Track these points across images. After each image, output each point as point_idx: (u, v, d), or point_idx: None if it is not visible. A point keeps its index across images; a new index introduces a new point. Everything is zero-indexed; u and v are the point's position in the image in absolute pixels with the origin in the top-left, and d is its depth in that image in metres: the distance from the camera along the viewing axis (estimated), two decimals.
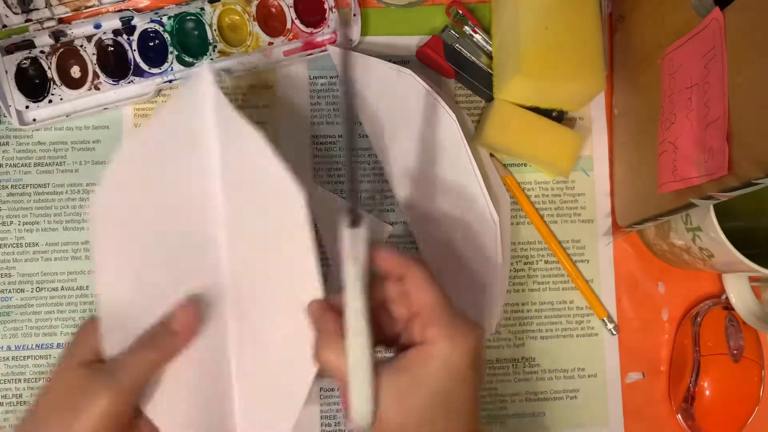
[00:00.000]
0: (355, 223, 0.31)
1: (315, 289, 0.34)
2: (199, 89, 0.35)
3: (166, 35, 0.44)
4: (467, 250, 0.43)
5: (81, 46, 0.43)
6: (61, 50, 0.43)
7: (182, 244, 0.36)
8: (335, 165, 0.45)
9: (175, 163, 0.36)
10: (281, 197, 0.35)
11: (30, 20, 0.42)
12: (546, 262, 0.46)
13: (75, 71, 0.44)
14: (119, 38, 0.43)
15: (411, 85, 0.42)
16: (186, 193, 0.36)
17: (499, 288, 0.42)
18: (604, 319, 0.46)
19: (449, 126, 0.41)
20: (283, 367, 0.36)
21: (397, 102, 0.43)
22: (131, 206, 0.35)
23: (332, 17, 0.45)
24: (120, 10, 0.43)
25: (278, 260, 0.36)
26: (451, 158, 0.42)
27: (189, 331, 0.35)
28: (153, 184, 0.36)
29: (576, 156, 0.45)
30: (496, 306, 0.42)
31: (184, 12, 0.44)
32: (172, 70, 0.44)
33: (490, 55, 0.46)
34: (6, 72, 0.42)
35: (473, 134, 0.46)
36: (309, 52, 0.45)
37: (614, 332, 0.46)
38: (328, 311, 0.33)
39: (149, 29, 0.44)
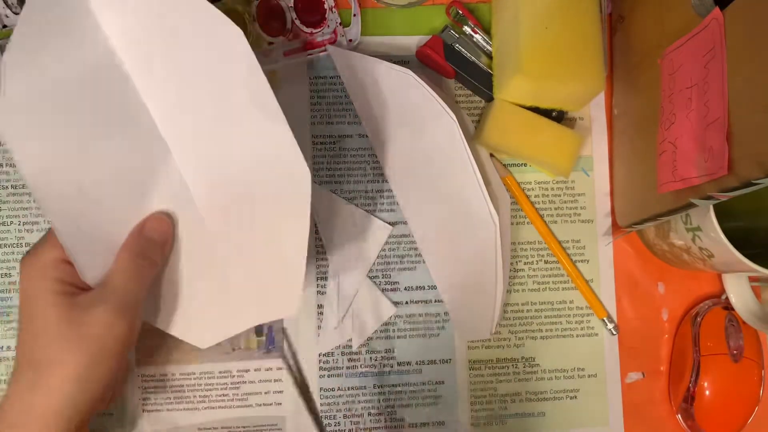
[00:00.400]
0: None
1: (300, 167, 0.34)
2: None
3: None
4: (467, 251, 0.43)
5: None
6: None
7: (125, 147, 0.35)
8: (335, 165, 0.45)
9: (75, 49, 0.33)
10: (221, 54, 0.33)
11: None
12: (546, 262, 0.46)
13: None
14: None
15: (410, 86, 0.42)
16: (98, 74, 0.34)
17: (499, 288, 0.42)
18: (604, 319, 0.46)
19: (449, 126, 0.41)
20: (277, 246, 0.36)
21: (396, 102, 0.43)
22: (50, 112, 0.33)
23: (332, 17, 0.45)
24: None
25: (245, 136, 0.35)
26: (450, 158, 0.42)
27: (169, 236, 0.35)
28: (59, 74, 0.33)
29: (576, 156, 0.45)
30: (496, 306, 0.42)
31: None
32: None
33: (490, 55, 0.46)
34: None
35: (473, 134, 0.46)
36: (309, 52, 0.45)
37: (614, 332, 0.46)
38: None
39: None
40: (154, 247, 0.35)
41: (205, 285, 0.37)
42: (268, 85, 0.33)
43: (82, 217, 0.34)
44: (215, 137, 0.36)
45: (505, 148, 0.44)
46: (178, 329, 0.38)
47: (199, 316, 0.38)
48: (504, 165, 0.46)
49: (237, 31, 0.33)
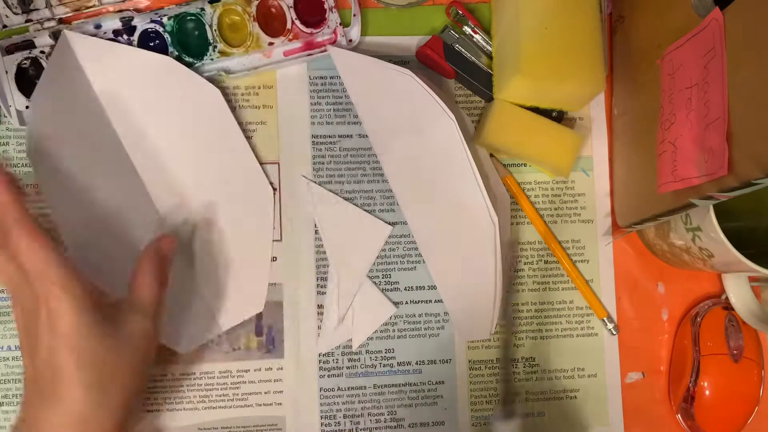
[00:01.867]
0: (508, 415, 0.36)
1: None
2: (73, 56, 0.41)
3: (166, 36, 0.44)
4: (466, 251, 0.43)
5: None
6: None
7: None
8: (335, 165, 0.45)
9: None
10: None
11: (30, 20, 0.42)
12: (546, 262, 0.46)
13: None
14: (120, 38, 0.43)
15: (410, 86, 0.42)
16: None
17: (498, 288, 0.42)
18: (604, 319, 0.46)
19: (448, 127, 0.41)
20: (242, 255, 0.44)
21: (396, 102, 0.43)
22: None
23: (332, 17, 0.45)
24: (120, 11, 0.43)
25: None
26: (449, 159, 0.42)
27: (174, 254, 0.39)
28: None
29: (576, 156, 0.45)
30: (496, 306, 0.42)
31: (184, 12, 0.44)
32: None
33: (490, 56, 0.45)
34: (6, 72, 0.42)
35: (473, 135, 0.46)
36: (309, 52, 0.45)
37: (614, 332, 0.46)
38: None
39: (149, 29, 0.44)
40: (168, 263, 0.38)
41: (185, 295, 0.42)
42: (234, 122, 0.44)
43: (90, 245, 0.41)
44: (188, 165, 0.44)
45: (505, 148, 0.44)
46: (164, 337, 0.41)
47: (181, 323, 0.42)
48: (504, 165, 0.46)
49: (215, 91, 0.43)
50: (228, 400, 0.43)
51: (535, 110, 0.44)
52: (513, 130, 0.44)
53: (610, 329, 0.46)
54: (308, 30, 0.44)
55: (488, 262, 0.42)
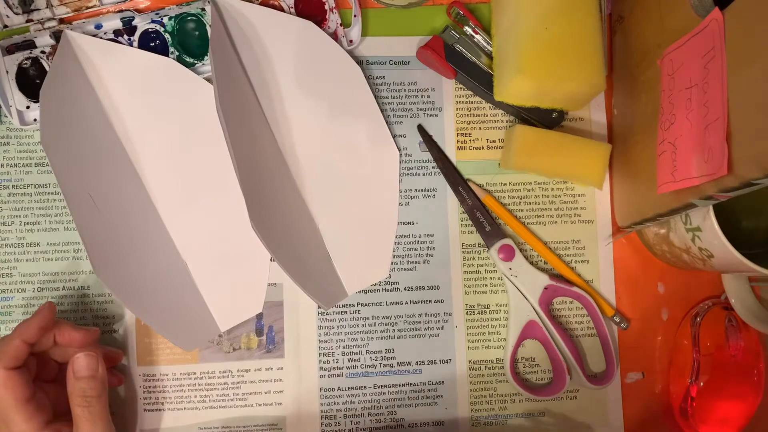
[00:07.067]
0: None
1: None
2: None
3: (166, 36, 0.44)
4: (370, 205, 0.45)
5: None
6: None
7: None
8: None
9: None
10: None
11: (31, 20, 0.42)
12: (545, 263, 0.46)
13: None
14: (120, 39, 0.44)
15: (315, 34, 0.43)
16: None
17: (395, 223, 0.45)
18: (613, 317, 0.46)
19: (354, 72, 0.44)
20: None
21: (302, 55, 0.44)
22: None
23: (332, 18, 0.45)
24: (121, 11, 0.44)
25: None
26: (354, 102, 0.45)
27: (97, 366, 0.38)
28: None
29: (606, 166, 0.44)
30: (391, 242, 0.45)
31: (184, 12, 0.44)
32: None
33: (490, 56, 0.46)
34: (7, 72, 0.42)
35: (500, 160, 0.46)
36: None
37: (624, 326, 0.46)
38: None
39: (150, 30, 0.44)
40: (92, 382, 0.37)
41: (185, 297, 0.43)
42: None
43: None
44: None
45: (535, 170, 0.45)
46: (170, 337, 0.42)
47: (182, 326, 0.43)
48: (481, 187, 0.46)
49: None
50: (228, 400, 0.44)
51: (536, 110, 0.45)
52: (540, 153, 0.44)
53: (620, 323, 0.46)
54: None
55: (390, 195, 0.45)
